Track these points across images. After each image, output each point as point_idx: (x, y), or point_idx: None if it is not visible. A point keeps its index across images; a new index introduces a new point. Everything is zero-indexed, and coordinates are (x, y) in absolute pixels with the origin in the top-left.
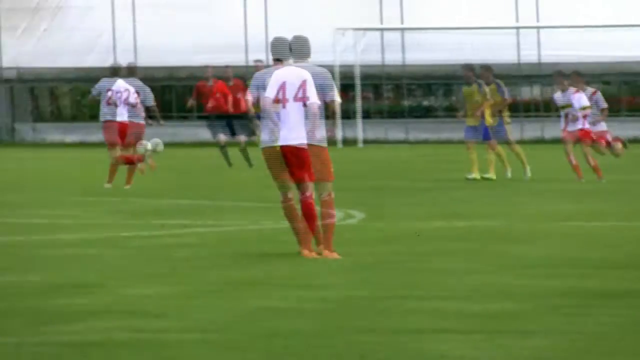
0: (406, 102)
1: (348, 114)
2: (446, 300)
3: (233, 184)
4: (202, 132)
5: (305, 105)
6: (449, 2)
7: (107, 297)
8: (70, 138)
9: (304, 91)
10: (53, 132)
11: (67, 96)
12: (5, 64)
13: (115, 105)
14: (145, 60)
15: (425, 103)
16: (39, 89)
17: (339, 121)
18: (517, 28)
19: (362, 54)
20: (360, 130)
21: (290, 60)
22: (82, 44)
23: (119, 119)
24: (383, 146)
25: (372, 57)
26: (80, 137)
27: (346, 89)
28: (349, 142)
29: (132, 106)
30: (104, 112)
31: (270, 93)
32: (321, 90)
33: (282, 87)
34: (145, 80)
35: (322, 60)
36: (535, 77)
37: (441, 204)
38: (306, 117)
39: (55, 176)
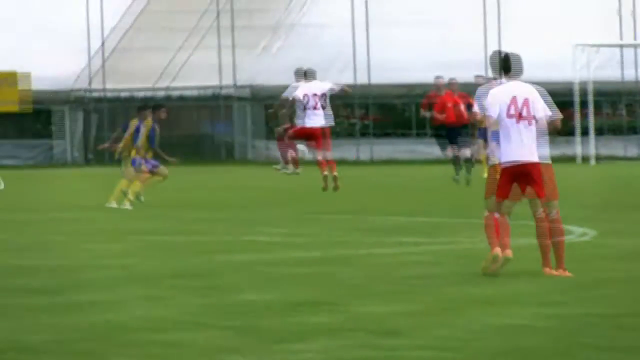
0: None
1: (584, 131)
2: None
3: (466, 200)
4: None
5: (532, 122)
6: None
7: (342, 315)
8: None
9: (531, 108)
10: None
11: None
12: (239, 83)
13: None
14: (381, 77)
15: None
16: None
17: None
18: None
19: (597, 70)
20: (592, 146)
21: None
22: (318, 62)
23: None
24: (617, 162)
25: (608, 73)
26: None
27: (583, 105)
28: (583, 159)
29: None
30: None
31: (494, 111)
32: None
33: (513, 102)
34: (380, 97)
35: (560, 77)
36: None
37: None
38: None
39: (291, 193)
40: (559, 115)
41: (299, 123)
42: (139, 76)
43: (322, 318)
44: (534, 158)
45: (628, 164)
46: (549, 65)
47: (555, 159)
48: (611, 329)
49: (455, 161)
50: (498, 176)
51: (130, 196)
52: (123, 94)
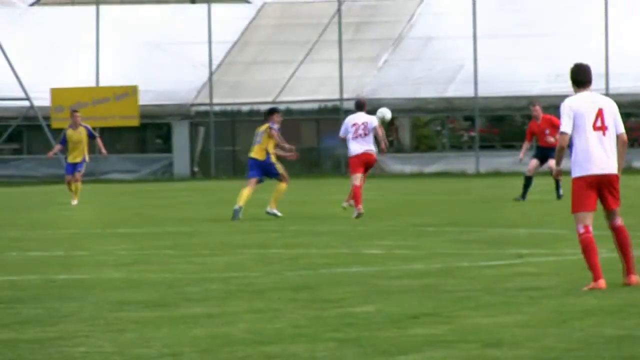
0: None
1: None
2: None
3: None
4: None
5: (604, 134)
6: None
7: (445, 326)
8: (409, 169)
9: (605, 120)
10: (394, 163)
11: (406, 128)
12: (345, 96)
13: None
14: (486, 90)
15: None
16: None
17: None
18: None
19: None
20: None
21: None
22: (420, 76)
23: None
24: None
25: None
26: (418, 168)
27: None
28: None
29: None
30: None
31: (568, 126)
32: (613, 121)
33: (600, 114)
34: (485, 110)
35: None
36: None
37: None
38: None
39: (396, 207)
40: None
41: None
42: (255, 90)
43: (426, 330)
44: (614, 169)
45: None
46: None
47: None
48: None
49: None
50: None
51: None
52: (244, 108)
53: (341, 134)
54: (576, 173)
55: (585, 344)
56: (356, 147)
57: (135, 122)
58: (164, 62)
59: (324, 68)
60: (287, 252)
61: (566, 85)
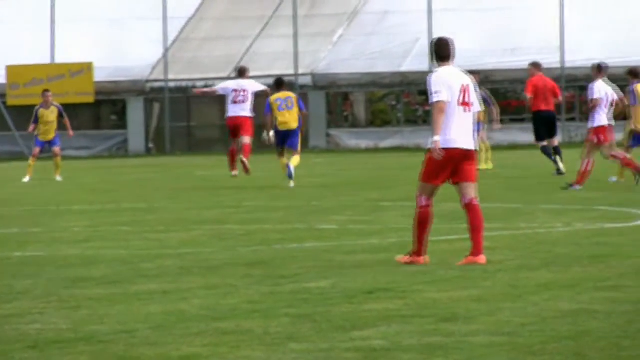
0: None
1: None
2: None
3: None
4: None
5: (467, 109)
6: None
7: (400, 301)
8: (364, 144)
9: (469, 96)
10: (350, 138)
11: (361, 102)
12: (301, 71)
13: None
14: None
15: None
16: (332, 95)
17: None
18: None
19: None
20: None
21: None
22: (375, 50)
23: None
24: None
25: None
26: (374, 142)
27: None
28: None
29: None
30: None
31: (446, 96)
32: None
33: (465, 90)
34: None
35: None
36: None
37: None
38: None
39: (348, 181)
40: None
41: None
42: (209, 66)
43: (381, 305)
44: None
45: None
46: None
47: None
48: None
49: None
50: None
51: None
52: (199, 84)
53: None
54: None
55: (540, 318)
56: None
57: (90, 99)
58: (119, 38)
59: (279, 43)
60: (242, 228)
61: (521, 59)
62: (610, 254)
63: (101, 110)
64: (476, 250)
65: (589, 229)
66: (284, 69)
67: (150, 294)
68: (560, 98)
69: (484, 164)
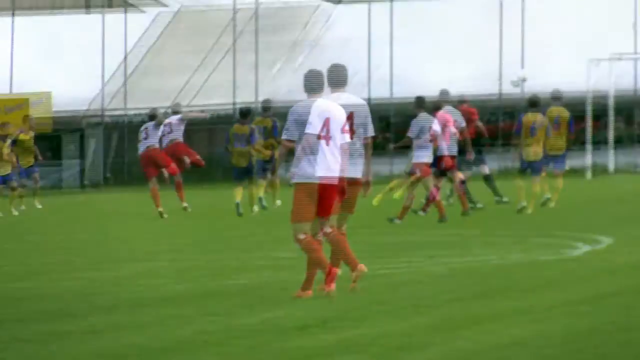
0: None
1: (600, 141)
2: None
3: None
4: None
5: (347, 139)
6: None
7: (331, 336)
8: None
9: (347, 126)
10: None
11: None
12: (260, 99)
13: None
14: (400, 92)
15: None
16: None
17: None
18: None
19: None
20: (612, 158)
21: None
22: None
23: None
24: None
25: (625, 85)
26: None
27: (595, 118)
28: (599, 171)
29: None
30: None
31: (314, 129)
32: (363, 125)
33: (327, 123)
34: (401, 112)
35: (574, 89)
36: None
37: None
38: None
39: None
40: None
41: None
42: (158, 97)
43: (311, 341)
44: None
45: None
46: (565, 78)
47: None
48: (616, 345)
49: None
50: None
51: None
52: (135, 119)
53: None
54: (301, 179)
55: (470, 352)
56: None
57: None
58: (64, 68)
59: (219, 75)
60: (173, 265)
61: (482, 86)
62: (542, 286)
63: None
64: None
65: (523, 261)
66: (222, 99)
67: (98, 328)
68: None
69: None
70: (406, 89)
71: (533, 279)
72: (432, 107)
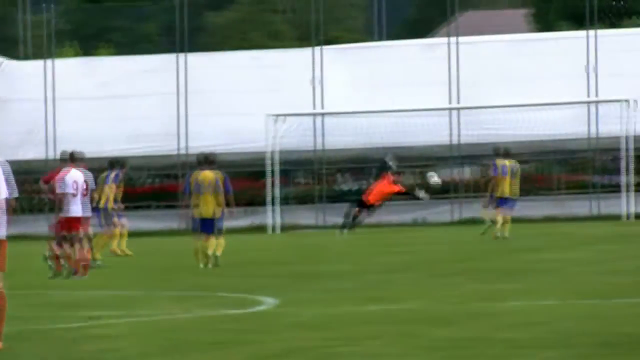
0: (324, 186)
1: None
2: None
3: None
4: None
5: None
6: (370, 88)
7: None
8: None
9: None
10: None
11: None
12: None
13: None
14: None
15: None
16: None
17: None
18: (449, 109)
19: (289, 139)
20: (278, 215)
21: None
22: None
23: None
24: (305, 231)
25: (303, 143)
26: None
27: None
28: (263, 229)
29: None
30: None
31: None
32: (8, 183)
33: None
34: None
35: (256, 145)
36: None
37: (356, 288)
38: None
39: None
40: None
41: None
42: None
43: None
44: None
45: (316, 232)
46: (243, 135)
47: (248, 229)
48: None
49: None
50: None
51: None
52: None
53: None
54: None
55: None
56: None
57: None
58: None
59: None
60: None
61: (142, 145)
62: (229, 341)
63: None
64: None
65: (208, 315)
66: None
67: None
68: None
69: (124, 249)
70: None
71: (223, 332)
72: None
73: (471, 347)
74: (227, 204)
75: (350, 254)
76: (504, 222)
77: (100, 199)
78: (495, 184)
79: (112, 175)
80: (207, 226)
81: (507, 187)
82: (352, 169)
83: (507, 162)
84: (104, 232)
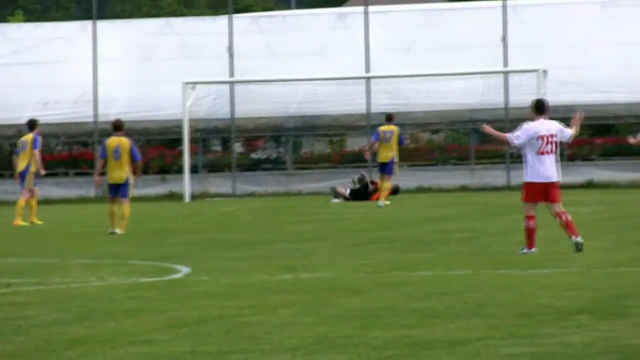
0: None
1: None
2: (291, 352)
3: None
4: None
5: None
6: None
7: None
8: None
9: None
10: None
11: None
12: None
13: None
14: None
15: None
16: None
17: None
18: (360, 78)
19: (212, 106)
20: (187, 184)
21: None
22: None
23: None
24: (219, 200)
25: (223, 110)
26: None
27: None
28: (179, 197)
29: None
30: None
31: None
32: None
33: None
34: None
35: (171, 113)
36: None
37: (269, 257)
38: None
39: None
40: None
41: None
42: None
43: None
44: None
45: (229, 200)
46: (159, 102)
47: (164, 196)
48: None
49: None
50: None
51: None
52: None
53: None
54: None
55: None
56: None
57: None
58: None
59: None
60: None
61: (55, 112)
62: (143, 308)
63: None
64: None
65: (122, 283)
66: None
67: None
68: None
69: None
70: None
71: (136, 300)
72: None
73: (384, 316)
74: (134, 171)
75: (261, 223)
76: (384, 190)
77: (21, 164)
78: (377, 149)
79: (36, 139)
80: (114, 191)
81: (386, 152)
82: (268, 137)
83: (390, 128)
84: (23, 196)
